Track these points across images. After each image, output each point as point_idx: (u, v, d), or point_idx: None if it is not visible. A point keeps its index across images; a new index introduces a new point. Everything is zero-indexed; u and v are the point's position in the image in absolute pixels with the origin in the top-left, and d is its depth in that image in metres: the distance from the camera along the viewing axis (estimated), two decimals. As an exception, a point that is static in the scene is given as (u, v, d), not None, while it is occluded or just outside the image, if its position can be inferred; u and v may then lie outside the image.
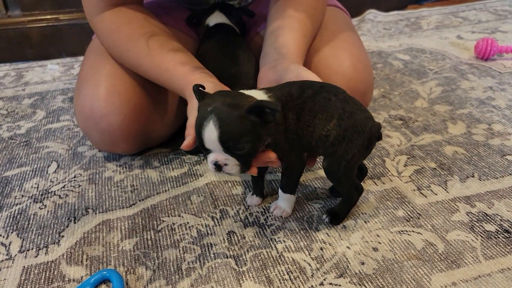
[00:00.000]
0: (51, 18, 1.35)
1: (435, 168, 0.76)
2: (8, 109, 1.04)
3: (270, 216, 0.67)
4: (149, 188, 0.74)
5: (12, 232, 0.66)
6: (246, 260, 0.59)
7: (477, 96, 1.00)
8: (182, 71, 0.67)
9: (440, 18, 1.57)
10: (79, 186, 0.76)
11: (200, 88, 0.56)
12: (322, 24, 0.81)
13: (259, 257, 0.59)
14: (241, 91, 0.57)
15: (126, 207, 0.70)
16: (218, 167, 0.54)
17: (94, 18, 0.76)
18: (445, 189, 0.71)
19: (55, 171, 0.80)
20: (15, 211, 0.70)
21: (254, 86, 0.71)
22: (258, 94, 0.57)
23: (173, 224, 0.66)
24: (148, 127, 0.78)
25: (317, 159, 0.70)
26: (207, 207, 0.70)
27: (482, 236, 0.61)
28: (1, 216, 0.69)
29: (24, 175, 0.79)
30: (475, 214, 0.65)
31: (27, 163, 0.83)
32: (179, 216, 0.68)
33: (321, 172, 0.76)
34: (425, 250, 0.59)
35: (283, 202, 0.66)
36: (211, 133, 0.52)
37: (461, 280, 0.55)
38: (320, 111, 0.57)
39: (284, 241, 0.62)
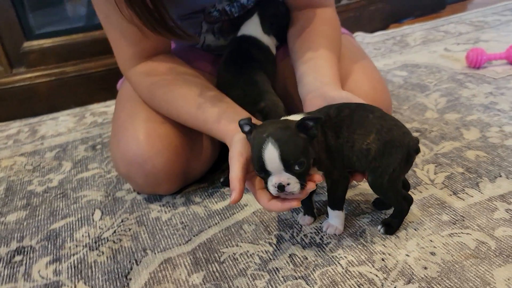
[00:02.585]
0: (57, 72, 1.38)
1: (463, 173, 0.81)
2: (33, 164, 1.06)
3: (324, 235, 0.70)
4: (198, 223, 0.77)
5: (78, 281, 0.67)
6: (316, 279, 0.62)
7: (481, 102, 1.07)
8: (220, 124, 0.70)
9: (424, 34, 1.67)
10: (130, 229, 0.78)
11: (246, 121, 0.60)
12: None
13: (327, 275, 0.62)
14: (283, 118, 0.62)
15: (183, 244, 0.72)
16: (281, 188, 0.57)
17: (128, 71, 0.80)
18: (479, 191, 0.76)
19: (100, 218, 0.82)
20: (74, 261, 0.71)
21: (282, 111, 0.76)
22: (299, 117, 0.60)
23: (234, 254, 0.69)
24: (188, 166, 0.81)
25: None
26: (261, 234, 0.72)
27: (526, 229, 0.66)
28: (62, 268, 0.70)
29: (71, 225, 0.81)
30: (513, 210, 0.70)
31: (70, 214, 0.84)
32: (237, 246, 0.70)
33: (361, 188, 0.80)
34: (479, 248, 0.64)
35: (334, 220, 0.70)
36: (272, 154, 0.56)
37: (520, 272, 0.59)
38: (358, 127, 0.62)
39: (345, 257, 0.65)
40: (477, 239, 0.65)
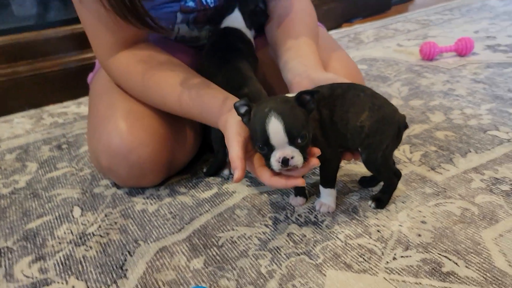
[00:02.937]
0: (8, 72, 1.30)
1: (436, 151, 0.86)
2: (-7, 167, 0.98)
3: (318, 213, 0.71)
4: (189, 212, 0.75)
5: (69, 277, 0.63)
6: (318, 254, 0.63)
7: (440, 89, 1.14)
8: (212, 105, 0.69)
9: (375, 32, 1.76)
10: (116, 223, 0.74)
11: (242, 102, 0.60)
12: None
13: (328, 249, 0.64)
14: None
15: (176, 232, 0.70)
16: (285, 162, 0.57)
17: (107, 60, 0.77)
18: (453, 165, 0.81)
19: (81, 214, 0.78)
20: (60, 257, 0.67)
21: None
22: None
23: (231, 237, 0.68)
24: (172, 155, 0.80)
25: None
26: (255, 217, 0.72)
27: (502, 196, 0.71)
28: (48, 265, 0.66)
29: (50, 224, 0.76)
30: (488, 180, 0.75)
31: (45, 213, 0.79)
32: (233, 230, 0.70)
33: (346, 169, 0.82)
34: (464, 214, 0.68)
35: (326, 198, 0.71)
36: (277, 127, 0.56)
37: (505, 231, 0.63)
38: (352, 106, 0.64)
39: (342, 232, 0.67)
40: (461, 207, 0.69)
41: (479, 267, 0.58)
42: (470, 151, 0.84)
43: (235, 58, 0.82)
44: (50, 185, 0.88)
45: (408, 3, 2.28)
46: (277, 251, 0.64)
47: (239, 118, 0.63)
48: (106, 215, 0.77)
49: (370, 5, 2.05)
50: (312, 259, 0.62)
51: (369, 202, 0.71)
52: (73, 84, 1.36)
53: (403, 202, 0.72)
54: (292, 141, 0.57)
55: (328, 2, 1.87)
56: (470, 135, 0.90)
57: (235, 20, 0.87)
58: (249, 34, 0.88)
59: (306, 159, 0.59)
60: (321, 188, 0.71)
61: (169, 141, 0.78)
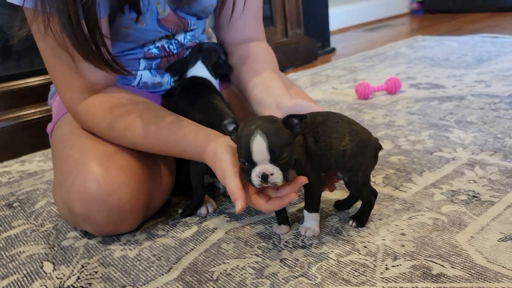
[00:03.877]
0: None
1: (395, 173, 0.93)
2: None
3: (304, 238, 0.73)
4: (173, 252, 0.73)
5: (58, 333, 0.58)
6: (315, 274, 0.64)
7: (382, 122, 1.25)
8: (196, 139, 0.71)
9: (309, 78, 1.89)
10: (96, 272, 0.70)
11: (231, 120, 0.64)
12: None
13: (323, 268, 0.65)
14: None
15: (165, 273, 0.68)
16: (265, 178, 0.60)
17: (77, 106, 0.76)
18: (414, 183, 0.88)
19: (54, 269, 0.72)
20: (42, 314, 0.62)
21: None
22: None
23: (225, 270, 0.67)
24: (150, 197, 0.78)
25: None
26: (243, 249, 0.72)
27: (463, 204, 0.79)
28: (28, 324, 0.60)
29: (19, 283, 0.69)
30: (446, 193, 0.83)
31: (11, 272, 0.72)
32: (224, 263, 0.69)
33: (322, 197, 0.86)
34: (436, 223, 0.74)
35: (311, 222, 0.74)
36: (260, 144, 0.59)
37: (474, 233, 0.70)
38: (333, 132, 0.69)
39: (332, 251, 0.69)
40: (431, 217, 0.76)
41: (463, 266, 0.63)
42: (424, 170, 0.93)
43: (209, 95, 0.85)
44: (9, 244, 0.81)
45: (331, 54, 2.49)
46: (275, 277, 0.64)
47: (231, 149, 0.65)
48: (83, 266, 0.72)
49: (299, 56, 2.21)
50: (310, 280, 0.63)
51: (350, 222, 0.75)
52: (12, 142, 1.29)
53: (380, 219, 0.76)
54: (273, 159, 0.60)
55: (263, 53, 1.99)
56: (420, 157, 0.99)
57: (200, 70, 0.91)
58: (215, 83, 0.92)
59: (287, 178, 0.62)
60: (305, 213, 0.73)
61: (146, 181, 0.77)
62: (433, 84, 1.58)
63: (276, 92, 0.79)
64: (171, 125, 0.73)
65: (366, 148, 0.70)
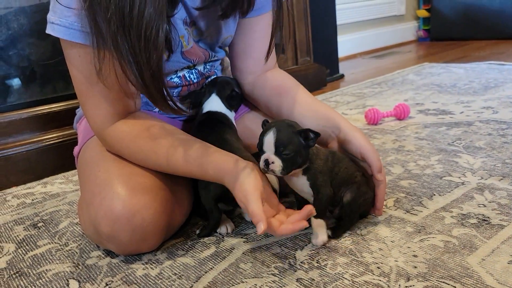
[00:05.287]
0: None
1: (406, 196, 0.96)
2: (-37, 251, 0.92)
3: (319, 258, 0.76)
4: (193, 271, 0.76)
5: None
6: (331, 293, 0.67)
7: (391, 147, 1.29)
8: (221, 164, 0.76)
9: (319, 104, 1.93)
10: (120, 290, 0.73)
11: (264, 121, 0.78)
12: None
13: (338, 288, 0.68)
14: None
15: (187, 291, 0.71)
16: (267, 163, 0.72)
17: (106, 130, 0.81)
18: (424, 207, 0.91)
19: (80, 286, 0.75)
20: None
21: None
22: None
23: (244, 289, 0.70)
24: (172, 217, 0.82)
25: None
26: (261, 268, 0.75)
27: (473, 227, 0.81)
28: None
29: (47, 299, 0.73)
30: (457, 216, 0.86)
31: (38, 289, 0.76)
32: (243, 282, 0.72)
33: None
34: (447, 246, 0.76)
35: (319, 229, 0.79)
36: (270, 138, 0.72)
37: (485, 256, 0.72)
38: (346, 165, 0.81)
39: (346, 272, 0.72)
40: (442, 240, 0.78)
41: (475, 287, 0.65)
42: (434, 194, 0.96)
43: (221, 130, 0.90)
44: (36, 262, 0.85)
45: (339, 81, 2.55)
46: (292, 296, 0.67)
47: (254, 173, 0.71)
48: (107, 284, 0.75)
49: (309, 82, 2.27)
50: (327, 299, 0.66)
51: (328, 231, 0.81)
52: (36, 165, 1.34)
53: (392, 241, 0.79)
54: (277, 152, 0.72)
55: (274, 80, 2.05)
56: (430, 181, 1.02)
57: (215, 103, 0.95)
58: (230, 115, 0.97)
59: (286, 171, 0.72)
60: (313, 221, 0.78)
61: (169, 203, 0.81)
62: (441, 110, 1.62)
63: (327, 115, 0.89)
64: (197, 149, 0.77)
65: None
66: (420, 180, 1.04)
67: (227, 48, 1.02)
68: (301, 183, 0.78)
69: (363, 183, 0.81)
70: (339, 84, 2.45)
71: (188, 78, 0.95)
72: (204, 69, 0.98)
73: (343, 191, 0.80)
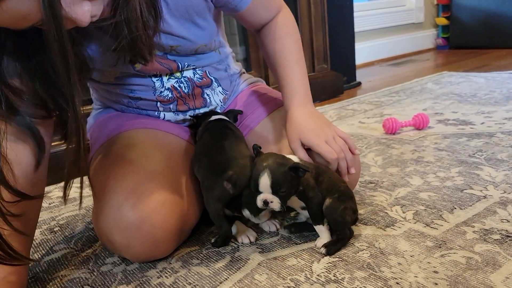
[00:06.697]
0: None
1: (425, 209, 0.94)
2: (-19, 254, 0.93)
3: (337, 272, 0.75)
4: (208, 281, 0.75)
5: None
6: (349, 309, 0.65)
7: (410, 157, 1.26)
8: None
9: (336, 112, 1.92)
10: (134, 298, 0.73)
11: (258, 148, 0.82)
12: None
13: (356, 304, 0.66)
14: (284, 155, 0.81)
15: (201, 302, 0.70)
16: (266, 203, 0.76)
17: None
18: (445, 221, 0.88)
19: (94, 293, 0.75)
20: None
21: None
22: (294, 158, 0.82)
23: (259, 301, 0.69)
24: (181, 221, 0.81)
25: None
26: (276, 280, 0.74)
27: (496, 244, 0.79)
28: None
29: (61, 305, 0.73)
30: (479, 231, 0.83)
31: (53, 295, 0.76)
32: (258, 294, 0.71)
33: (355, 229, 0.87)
34: (469, 262, 0.74)
35: (322, 234, 0.83)
36: (265, 181, 0.75)
37: (510, 274, 0.70)
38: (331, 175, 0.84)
39: (364, 286, 0.70)
40: (464, 256, 0.76)
41: (498, 306, 0.63)
42: (455, 208, 0.93)
43: (224, 135, 0.89)
44: (51, 267, 0.85)
45: (356, 88, 2.53)
46: (309, 310, 0.66)
47: None
48: (121, 292, 0.75)
49: (326, 90, 2.26)
50: (344, 314, 0.64)
51: (322, 249, 0.81)
52: (54, 169, 1.34)
53: (411, 256, 0.77)
54: (274, 192, 0.76)
55: (290, 87, 2.04)
56: (450, 194, 1.00)
57: (218, 116, 0.97)
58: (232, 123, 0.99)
59: (284, 206, 0.77)
60: (316, 228, 0.83)
61: (178, 207, 0.80)
62: (461, 121, 1.59)
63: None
64: None
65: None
66: (440, 192, 1.01)
67: (225, 49, 1.02)
68: (291, 199, 0.81)
69: (346, 193, 0.83)
70: (356, 92, 2.42)
71: (178, 89, 0.93)
72: (194, 75, 0.94)
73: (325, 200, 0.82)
